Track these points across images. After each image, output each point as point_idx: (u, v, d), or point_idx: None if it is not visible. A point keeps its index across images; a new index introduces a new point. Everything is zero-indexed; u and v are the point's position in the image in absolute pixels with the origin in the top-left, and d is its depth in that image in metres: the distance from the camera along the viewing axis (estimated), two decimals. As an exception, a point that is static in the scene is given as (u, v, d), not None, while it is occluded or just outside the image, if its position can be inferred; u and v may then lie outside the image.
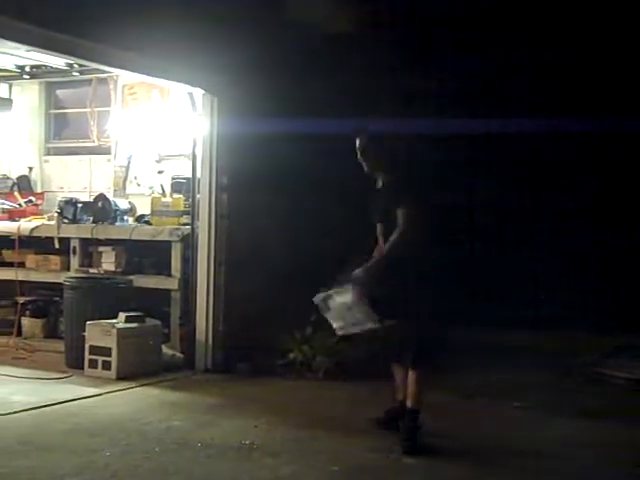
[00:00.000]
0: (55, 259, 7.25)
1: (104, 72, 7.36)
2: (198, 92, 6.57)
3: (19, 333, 7.35)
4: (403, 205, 4.56)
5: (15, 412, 5.15)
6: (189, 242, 6.68)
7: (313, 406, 5.54)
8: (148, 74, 6.33)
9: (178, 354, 6.57)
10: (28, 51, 6.64)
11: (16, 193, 8.04)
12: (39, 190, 8.20)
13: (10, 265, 7.43)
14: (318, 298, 4.68)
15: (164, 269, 6.77)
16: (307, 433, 4.85)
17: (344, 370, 6.25)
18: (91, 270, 7.04)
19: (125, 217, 7.33)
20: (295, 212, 6.91)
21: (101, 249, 7.10)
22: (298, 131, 6.39)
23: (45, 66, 7.73)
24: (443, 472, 4.26)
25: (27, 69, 7.91)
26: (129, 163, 7.85)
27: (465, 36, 7.31)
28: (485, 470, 4.29)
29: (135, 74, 6.49)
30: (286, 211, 6.88)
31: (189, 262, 6.66)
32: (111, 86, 7.88)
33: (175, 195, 7.12)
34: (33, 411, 5.18)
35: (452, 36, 7.32)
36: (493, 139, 7.72)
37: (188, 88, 6.58)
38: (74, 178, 8.07)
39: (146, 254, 6.98)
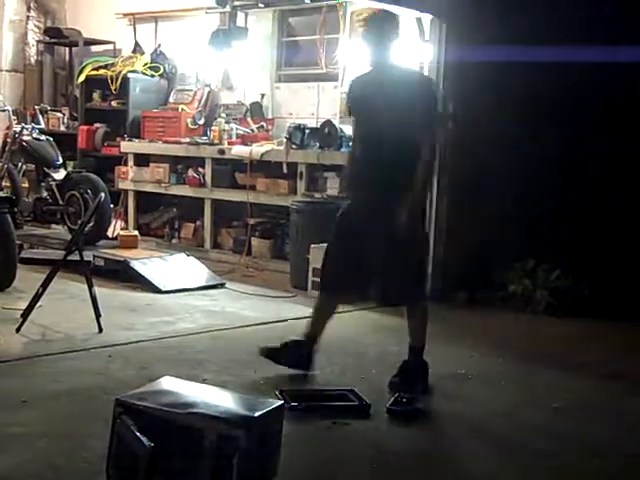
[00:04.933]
0: (283, 183, 7.53)
1: (335, -1, 7.44)
2: (426, 17, 6.47)
3: (249, 252, 7.77)
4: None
5: (247, 325, 5.51)
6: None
7: (531, 340, 5.45)
8: (377, 0, 6.32)
9: (397, 280, 6.66)
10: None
11: (249, 119, 8.40)
12: (270, 116, 8.50)
13: (242, 188, 7.84)
14: None
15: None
16: (523, 367, 4.80)
17: (565, 306, 6.07)
18: (316, 195, 7.27)
19: (350, 143, 7.44)
20: (519, 142, 6.69)
21: (326, 174, 7.28)
22: (527, 58, 6.13)
23: (278, -6, 7.93)
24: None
25: (262, -2, 8.16)
26: (355, 90, 7.92)
27: None
28: None
29: (365, 0, 6.50)
30: (510, 141, 6.68)
31: (411, 190, 6.68)
32: (340, 13, 7.94)
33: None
34: (262, 326, 5.51)
35: None
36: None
37: (417, 14, 6.50)
38: (302, 104, 8.28)
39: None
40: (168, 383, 3.13)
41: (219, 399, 3.01)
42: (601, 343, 5.42)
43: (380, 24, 4.39)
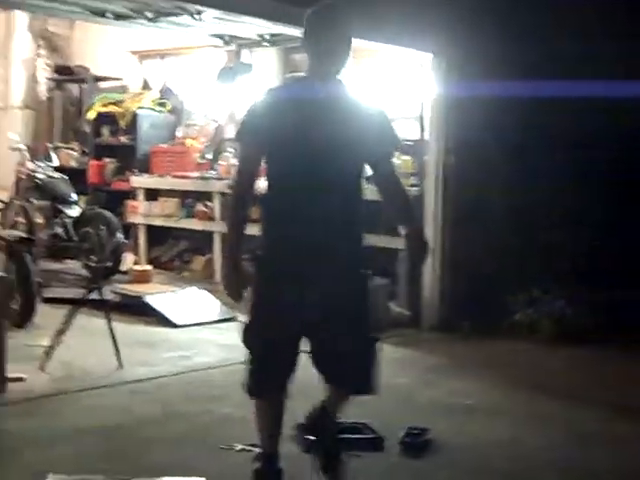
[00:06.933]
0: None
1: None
2: (427, 55, 6.69)
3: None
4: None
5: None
6: (416, 203, 6.88)
7: (536, 370, 5.59)
8: (378, 41, 6.47)
9: (405, 311, 6.85)
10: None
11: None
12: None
13: (251, 221, 7.94)
14: None
15: (393, 229, 7.02)
16: (529, 397, 4.95)
17: (570, 336, 6.23)
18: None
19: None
20: (520, 175, 6.90)
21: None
22: (527, 95, 6.34)
23: (282, 34, 8.13)
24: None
25: (266, 37, 8.37)
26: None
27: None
28: None
29: (365, 41, 6.70)
30: (511, 174, 6.89)
31: (416, 222, 6.86)
32: (344, 50, 8.13)
33: (403, 157, 7.32)
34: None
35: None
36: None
37: (417, 52, 6.72)
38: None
39: (376, 214, 7.23)
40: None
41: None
42: (607, 372, 5.55)
43: (346, 21, 3.23)
